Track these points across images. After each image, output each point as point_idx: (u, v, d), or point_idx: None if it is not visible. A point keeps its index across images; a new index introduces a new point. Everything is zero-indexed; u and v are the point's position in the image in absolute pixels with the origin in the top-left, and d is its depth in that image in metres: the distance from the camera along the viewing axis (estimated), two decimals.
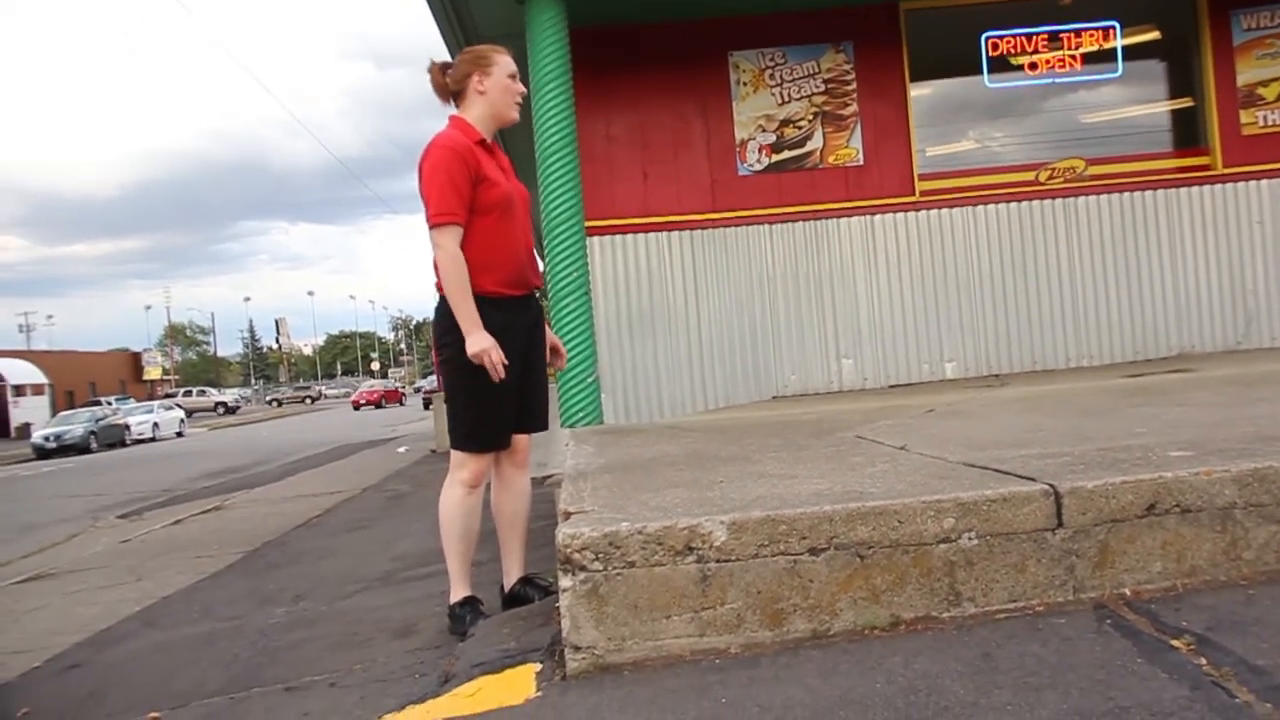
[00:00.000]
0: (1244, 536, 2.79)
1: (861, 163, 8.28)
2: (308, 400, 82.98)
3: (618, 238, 8.04)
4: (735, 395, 8.11)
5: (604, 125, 8.18)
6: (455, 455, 3.80)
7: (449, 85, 3.85)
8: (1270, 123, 8.23)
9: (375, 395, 60.48)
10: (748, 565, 2.68)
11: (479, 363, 3.54)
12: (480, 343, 3.53)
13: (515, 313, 3.76)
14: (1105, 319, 8.17)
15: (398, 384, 78.72)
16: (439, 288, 3.68)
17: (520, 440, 3.93)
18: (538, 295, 4.01)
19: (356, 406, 58.77)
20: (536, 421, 3.98)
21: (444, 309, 3.67)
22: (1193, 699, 2.08)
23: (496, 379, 3.57)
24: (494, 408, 3.73)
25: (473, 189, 3.63)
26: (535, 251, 4.00)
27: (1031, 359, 8.16)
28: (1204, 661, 2.25)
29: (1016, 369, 8.13)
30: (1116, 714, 2.06)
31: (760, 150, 8.28)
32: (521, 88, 3.87)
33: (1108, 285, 8.17)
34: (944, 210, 8.23)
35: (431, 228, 3.61)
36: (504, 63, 3.83)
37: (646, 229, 8.09)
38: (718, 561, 2.68)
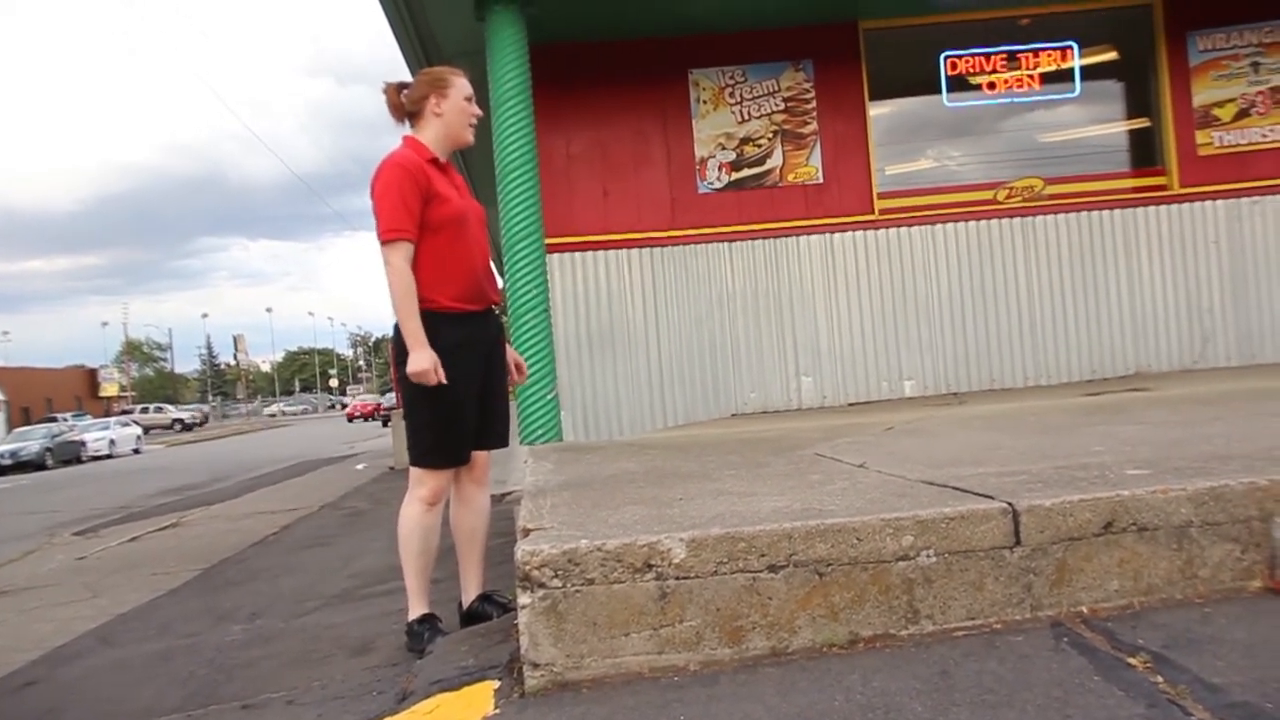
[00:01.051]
0: (1200, 555, 2.81)
1: (821, 181, 8.32)
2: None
3: (578, 255, 8.03)
4: (695, 413, 8.11)
5: (564, 142, 8.18)
6: (414, 472, 3.78)
7: (404, 105, 3.88)
8: (1225, 143, 8.35)
9: (369, 408, 60.88)
10: (707, 583, 2.66)
11: (418, 382, 3.54)
12: (421, 362, 3.54)
13: (474, 328, 3.77)
14: (1063, 337, 8.24)
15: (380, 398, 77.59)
16: None
17: (480, 457, 3.92)
18: (497, 311, 4.00)
19: (351, 419, 59.45)
20: (497, 438, 3.98)
21: None
22: (1149, 717, 2.09)
23: (434, 384, 3.57)
24: (453, 424, 3.72)
25: (424, 206, 3.65)
26: (494, 268, 3.98)
27: (990, 377, 8.22)
28: (1160, 679, 2.26)
29: (975, 387, 8.19)
30: None
31: (720, 168, 8.30)
32: (477, 110, 3.92)
33: (1065, 304, 8.25)
34: (903, 229, 8.28)
35: (382, 244, 3.62)
36: (461, 85, 3.87)
37: (606, 246, 8.09)
38: (677, 579, 2.66)
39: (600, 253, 8.10)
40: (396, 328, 3.69)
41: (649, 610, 2.65)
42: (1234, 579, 2.81)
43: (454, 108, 3.83)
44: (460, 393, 3.66)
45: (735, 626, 2.67)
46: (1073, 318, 8.25)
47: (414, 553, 3.78)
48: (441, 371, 3.56)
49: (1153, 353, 8.26)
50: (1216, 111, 8.38)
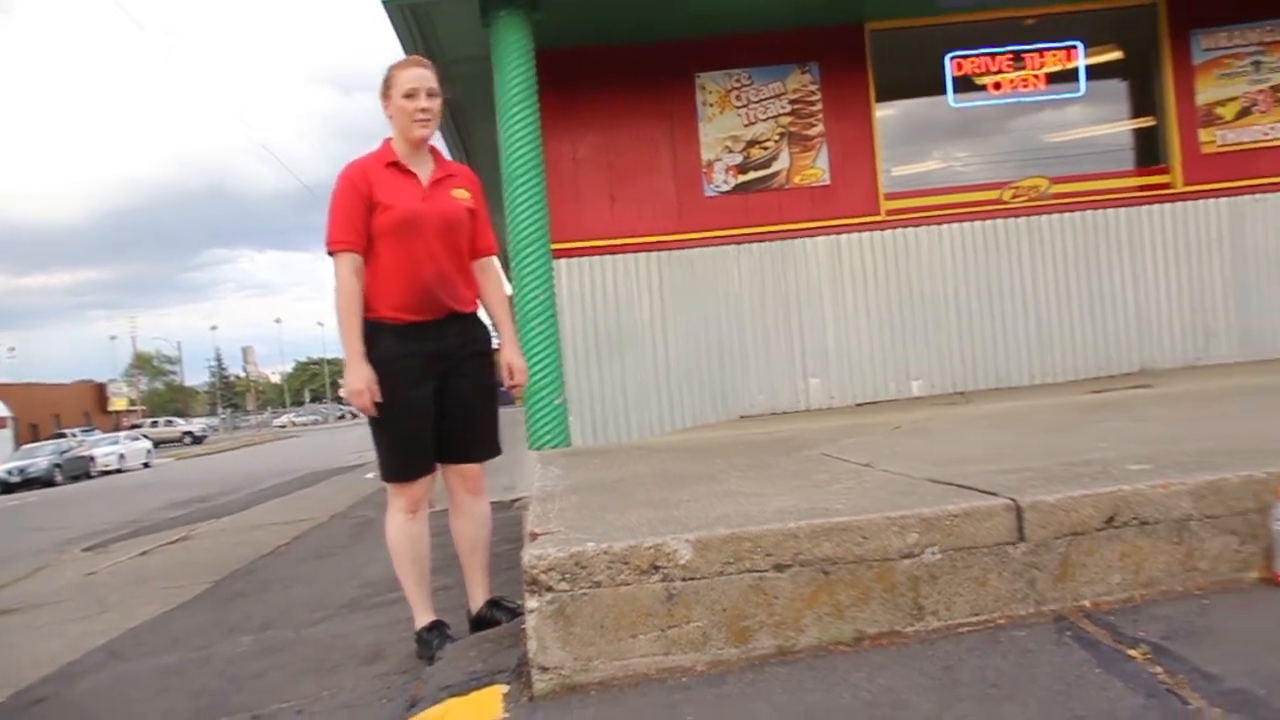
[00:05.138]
0: (1199, 547, 2.84)
1: (828, 183, 8.33)
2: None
3: (585, 259, 8.05)
4: (703, 415, 8.13)
5: (571, 147, 8.21)
6: (388, 485, 3.80)
7: None
8: (1228, 142, 8.34)
9: None
10: (713, 583, 2.69)
11: (352, 401, 3.57)
12: (352, 380, 3.55)
13: (420, 340, 3.68)
14: (1068, 336, 8.24)
15: None
16: None
17: (470, 469, 3.89)
18: (475, 316, 3.91)
19: None
20: (482, 448, 3.93)
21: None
22: (1148, 707, 2.12)
23: (369, 414, 3.60)
24: (405, 437, 3.71)
25: (370, 214, 3.62)
26: (467, 270, 3.86)
27: (996, 376, 8.22)
28: (1160, 670, 2.30)
29: (982, 386, 8.18)
30: None
31: (727, 171, 8.32)
32: (423, 103, 3.72)
33: (1071, 302, 8.24)
34: (909, 229, 8.29)
35: (328, 255, 3.63)
36: (401, 80, 3.72)
37: (613, 250, 8.11)
38: (683, 580, 2.69)
39: (607, 257, 8.11)
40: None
41: (656, 612, 2.68)
42: (1232, 570, 2.85)
43: (395, 107, 3.72)
44: (407, 405, 3.64)
45: (742, 626, 2.70)
46: (1078, 316, 8.25)
47: (407, 562, 3.78)
48: (376, 389, 3.55)
49: (1157, 350, 8.25)
50: (1219, 110, 8.37)
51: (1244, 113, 8.35)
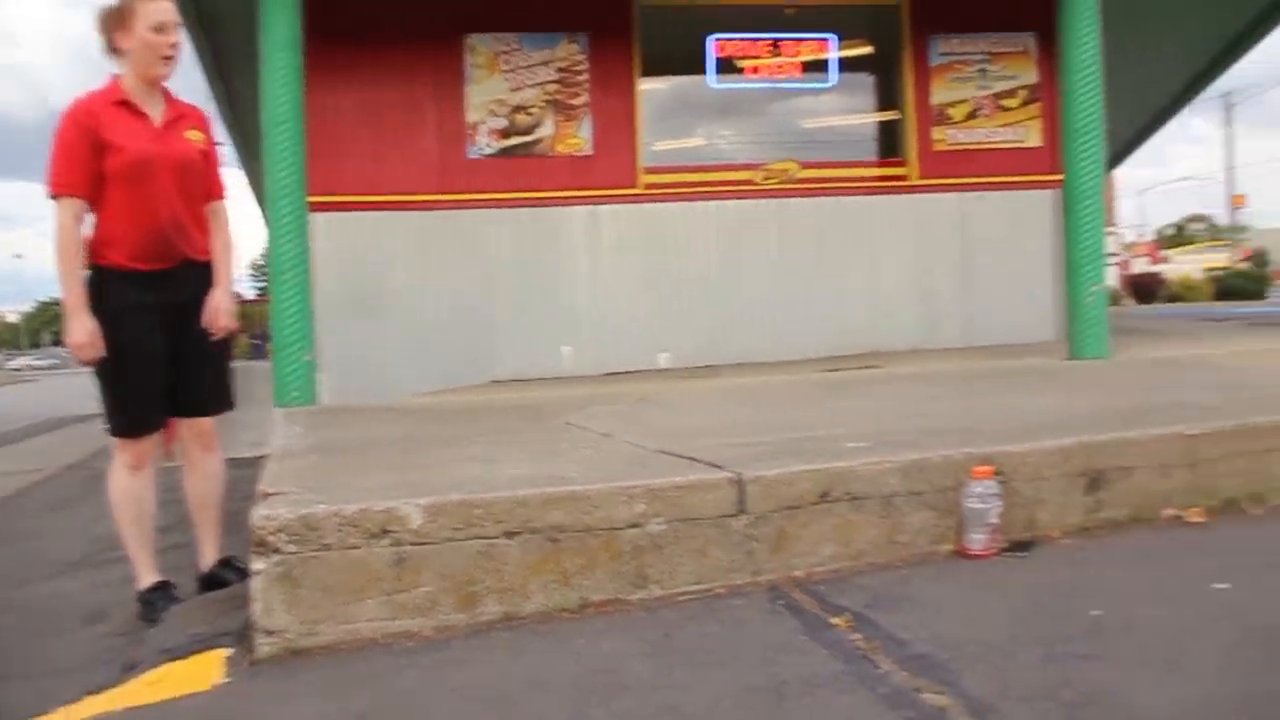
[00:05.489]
0: (903, 521, 3.07)
1: (590, 153, 8.39)
2: None
3: (343, 215, 7.82)
4: (456, 378, 8.07)
5: (335, 99, 7.93)
6: (115, 439, 3.63)
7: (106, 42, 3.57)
8: (957, 141, 8.89)
9: None
10: (442, 548, 2.72)
11: (77, 355, 3.42)
12: (76, 334, 3.39)
13: (152, 289, 3.53)
14: (809, 315, 8.55)
15: None
16: None
17: (202, 423, 3.76)
18: (209, 265, 3.73)
19: None
20: (214, 402, 3.79)
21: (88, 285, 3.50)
22: (845, 671, 2.28)
23: (88, 363, 3.45)
24: (131, 390, 3.55)
25: (98, 156, 3.41)
26: (200, 215, 3.69)
27: (741, 352, 8.45)
28: (859, 637, 2.48)
29: (727, 361, 8.41)
30: (778, 688, 2.23)
31: (491, 134, 8.27)
32: (172, 38, 3.51)
33: (812, 283, 8.57)
34: (665, 204, 8.44)
35: (50, 199, 3.43)
36: (148, 12, 3.47)
37: (374, 207, 7.94)
38: (413, 544, 2.70)
39: (367, 213, 7.93)
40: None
41: (384, 576, 2.68)
42: (930, 543, 3.09)
43: (138, 40, 3.46)
44: (137, 358, 3.50)
45: (469, 592, 2.73)
46: (818, 297, 8.57)
47: (128, 520, 3.63)
48: (101, 342, 3.39)
49: (889, 333, 8.69)
50: (950, 111, 8.90)
51: (971, 115, 8.91)
